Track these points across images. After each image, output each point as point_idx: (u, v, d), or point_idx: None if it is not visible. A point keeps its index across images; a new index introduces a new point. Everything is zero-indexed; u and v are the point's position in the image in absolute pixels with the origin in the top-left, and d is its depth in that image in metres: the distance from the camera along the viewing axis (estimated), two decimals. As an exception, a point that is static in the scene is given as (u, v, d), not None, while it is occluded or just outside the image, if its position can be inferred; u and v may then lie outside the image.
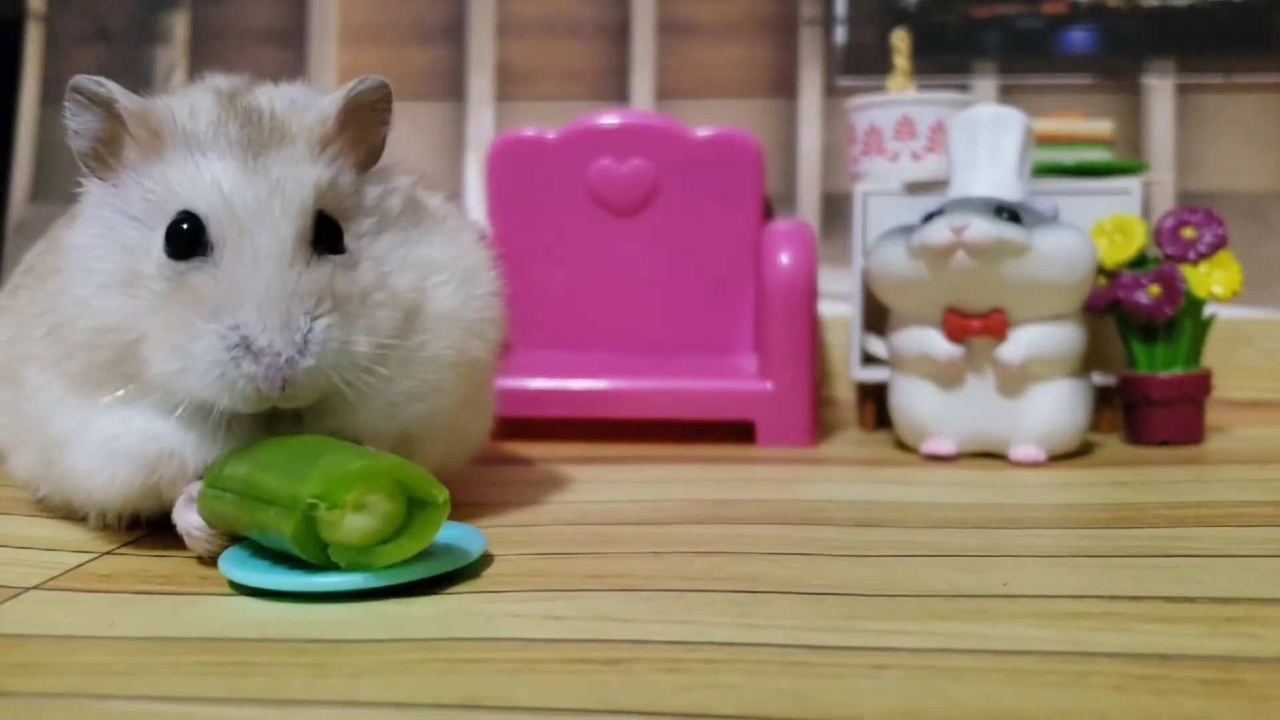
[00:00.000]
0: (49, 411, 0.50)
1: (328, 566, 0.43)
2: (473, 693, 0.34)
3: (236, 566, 0.45)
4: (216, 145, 0.47)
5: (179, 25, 1.21)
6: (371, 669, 0.36)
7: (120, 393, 0.48)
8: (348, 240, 0.49)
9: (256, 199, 0.46)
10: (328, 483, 0.42)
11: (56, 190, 1.17)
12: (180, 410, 0.46)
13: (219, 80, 0.55)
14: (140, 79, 1.20)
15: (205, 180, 0.46)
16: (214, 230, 0.46)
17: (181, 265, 0.46)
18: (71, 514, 0.56)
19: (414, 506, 0.44)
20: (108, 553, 0.51)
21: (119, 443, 0.48)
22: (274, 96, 0.50)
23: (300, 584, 0.43)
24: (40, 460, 0.53)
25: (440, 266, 0.52)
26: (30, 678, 0.36)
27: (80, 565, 0.49)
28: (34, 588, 0.46)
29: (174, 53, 1.20)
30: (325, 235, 0.48)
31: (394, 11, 1.18)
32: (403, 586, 0.44)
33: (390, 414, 0.50)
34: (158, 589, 0.46)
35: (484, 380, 0.59)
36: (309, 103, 0.50)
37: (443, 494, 0.43)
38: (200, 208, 0.46)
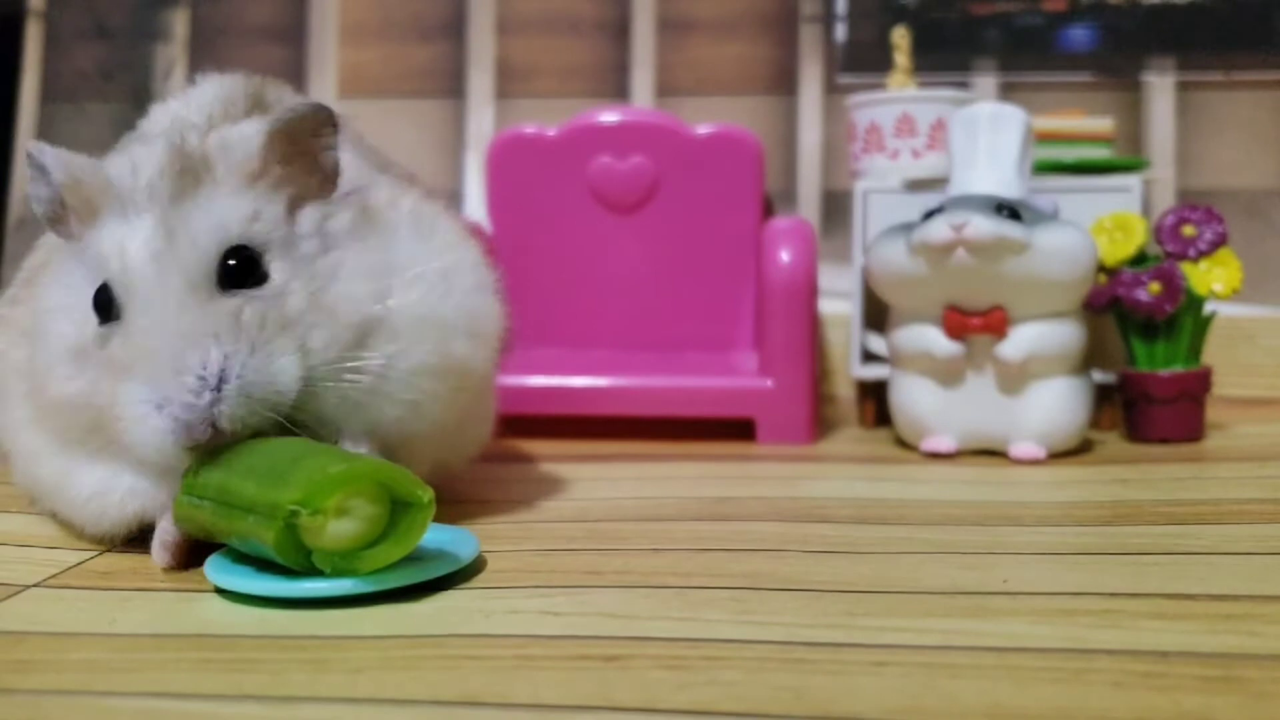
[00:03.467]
0: (34, 455, 0.52)
1: (312, 572, 0.42)
2: (472, 689, 0.34)
3: (222, 573, 0.44)
4: (142, 204, 0.47)
5: (179, 22, 1.21)
6: (371, 666, 0.36)
7: (89, 448, 0.49)
8: (276, 269, 0.48)
9: (152, 255, 0.46)
10: (309, 489, 0.41)
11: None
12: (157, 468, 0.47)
13: (208, 98, 0.55)
14: (140, 77, 1.20)
15: (115, 246, 0.46)
16: (118, 294, 0.46)
17: (105, 330, 0.47)
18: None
19: (398, 508, 0.43)
20: (108, 550, 0.51)
21: (106, 499, 0.49)
22: (216, 139, 0.49)
23: (286, 590, 0.42)
24: (29, 488, 0.54)
25: (402, 269, 0.51)
26: (30, 675, 0.36)
27: (80, 563, 0.49)
28: (34, 585, 0.46)
29: (173, 50, 1.20)
30: (240, 270, 0.47)
31: (394, 8, 1.18)
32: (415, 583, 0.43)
33: (377, 428, 0.49)
34: (158, 586, 0.46)
35: (481, 381, 0.57)
36: (237, 137, 0.49)
37: (427, 494, 0.43)
38: (110, 275, 0.46)
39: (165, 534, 0.48)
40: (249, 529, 0.42)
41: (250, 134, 0.49)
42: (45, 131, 1.19)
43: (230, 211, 0.47)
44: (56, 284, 0.50)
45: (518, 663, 0.36)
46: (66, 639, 0.39)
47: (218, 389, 0.44)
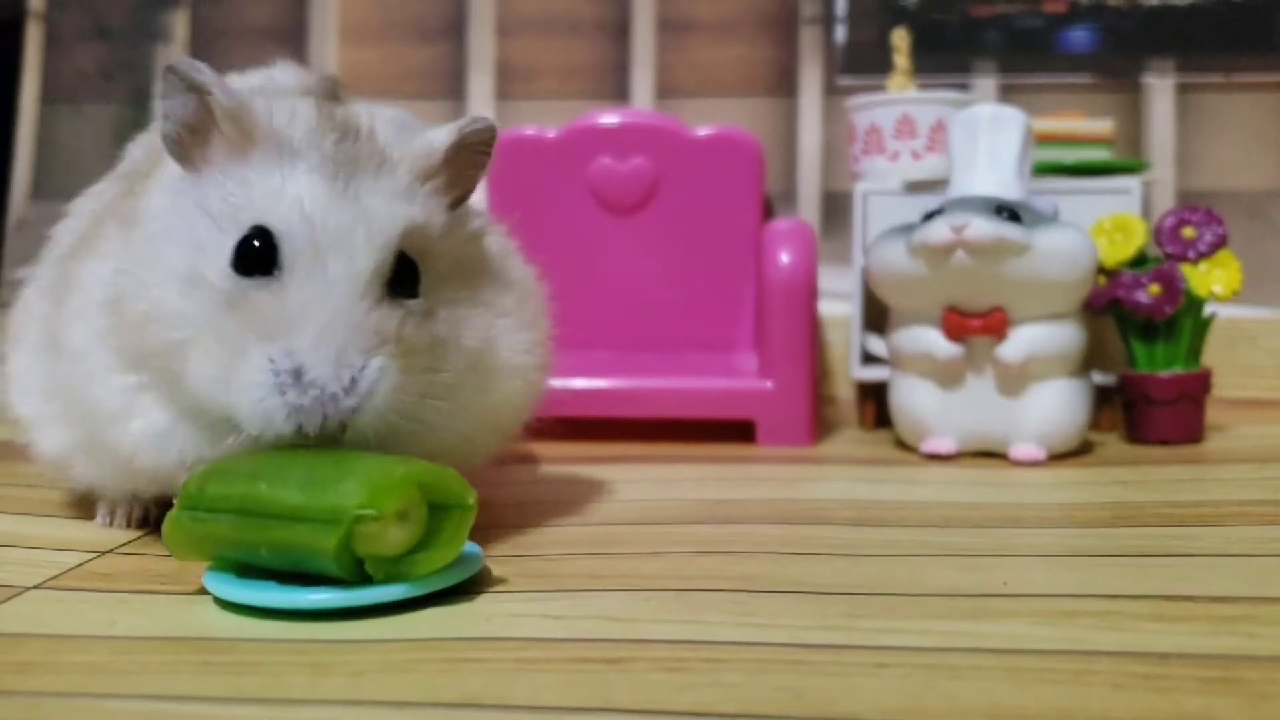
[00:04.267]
0: (92, 380, 0.47)
1: (362, 580, 0.41)
2: (473, 691, 0.34)
3: (229, 586, 0.42)
4: (308, 157, 0.45)
5: (179, 23, 1.21)
6: (372, 669, 0.36)
7: (152, 378, 0.46)
8: (425, 285, 0.46)
9: (340, 224, 0.43)
10: (373, 492, 0.39)
11: (57, 189, 1.17)
12: (217, 426, 0.44)
13: (307, 78, 0.52)
14: (140, 77, 1.20)
15: (288, 195, 0.44)
16: (287, 250, 0.43)
17: (245, 281, 0.43)
18: (91, 496, 0.56)
19: (435, 511, 0.42)
20: (108, 552, 0.51)
21: (170, 439, 0.46)
22: (375, 116, 0.48)
23: (343, 600, 0.41)
24: (79, 431, 0.51)
25: (508, 314, 0.50)
26: (31, 677, 0.36)
27: (81, 565, 0.49)
28: (34, 587, 0.46)
29: (174, 51, 1.20)
30: (402, 278, 0.45)
31: (394, 9, 1.18)
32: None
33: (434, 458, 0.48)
34: (158, 588, 0.46)
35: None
36: (414, 131, 0.48)
37: (473, 495, 0.42)
38: (277, 224, 0.43)
39: None
40: (296, 538, 0.40)
41: (439, 140, 0.48)
42: (45, 133, 1.19)
43: (405, 210, 0.45)
44: (162, 208, 0.47)
45: (518, 665, 0.36)
46: (67, 641, 0.39)
47: (351, 389, 0.42)
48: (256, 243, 0.44)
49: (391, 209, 0.45)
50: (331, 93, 0.55)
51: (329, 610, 0.41)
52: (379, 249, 0.44)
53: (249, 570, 0.43)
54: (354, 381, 0.42)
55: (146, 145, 0.56)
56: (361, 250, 0.43)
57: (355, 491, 0.40)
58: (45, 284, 0.54)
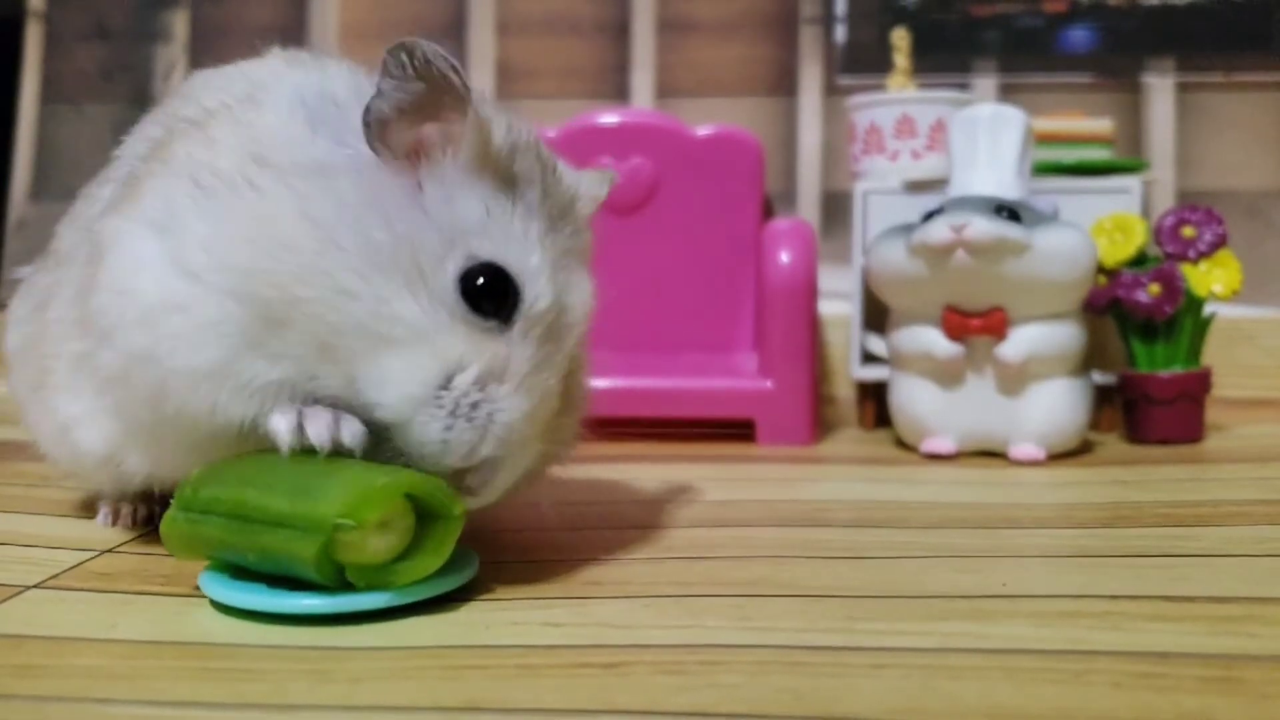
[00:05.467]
0: (187, 338, 0.41)
1: (344, 587, 0.41)
2: (473, 697, 0.34)
3: (223, 588, 0.42)
4: (531, 197, 0.43)
5: (179, 23, 1.21)
6: (372, 675, 0.36)
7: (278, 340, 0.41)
8: None
9: (567, 293, 0.44)
10: (354, 501, 0.39)
11: (56, 189, 1.17)
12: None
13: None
14: (140, 77, 1.20)
15: (535, 248, 0.42)
16: (528, 308, 0.42)
17: (477, 318, 0.41)
18: (98, 496, 0.56)
19: (424, 519, 0.42)
20: (107, 551, 0.51)
21: (267, 393, 0.42)
22: (553, 160, 0.45)
23: (323, 606, 0.41)
24: (143, 413, 0.45)
25: (579, 359, 0.50)
26: (31, 680, 0.36)
27: (80, 564, 0.49)
28: (34, 586, 0.46)
29: (174, 51, 1.20)
30: None
31: (394, 9, 1.18)
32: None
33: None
34: (158, 590, 0.46)
35: None
36: (579, 179, 0.47)
37: (459, 505, 0.42)
38: (523, 276, 0.42)
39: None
40: (278, 544, 0.40)
41: (600, 184, 0.48)
42: (45, 133, 1.19)
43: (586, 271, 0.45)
44: (337, 186, 0.41)
45: (518, 671, 0.36)
46: (67, 643, 0.39)
47: (508, 469, 0.43)
48: (493, 280, 0.41)
49: (587, 276, 0.45)
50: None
51: (316, 615, 0.41)
52: (582, 321, 0.45)
53: (243, 572, 0.43)
54: (515, 460, 0.43)
55: (149, 138, 0.50)
56: (579, 324, 0.44)
57: (335, 501, 0.39)
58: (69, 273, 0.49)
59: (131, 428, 0.47)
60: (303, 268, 0.40)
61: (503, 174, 0.43)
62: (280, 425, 0.41)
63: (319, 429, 0.41)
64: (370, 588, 0.41)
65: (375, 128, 0.42)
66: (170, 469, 0.48)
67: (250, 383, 0.41)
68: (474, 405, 0.41)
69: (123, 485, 0.54)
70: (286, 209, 0.41)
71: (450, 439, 0.41)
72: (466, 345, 0.41)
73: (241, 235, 0.41)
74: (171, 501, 0.43)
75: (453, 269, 0.41)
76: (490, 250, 0.42)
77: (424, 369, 0.41)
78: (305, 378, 0.41)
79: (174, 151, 0.45)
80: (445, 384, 0.41)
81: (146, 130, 0.52)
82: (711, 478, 0.70)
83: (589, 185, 0.47)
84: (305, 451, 0.41)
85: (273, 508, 0.40)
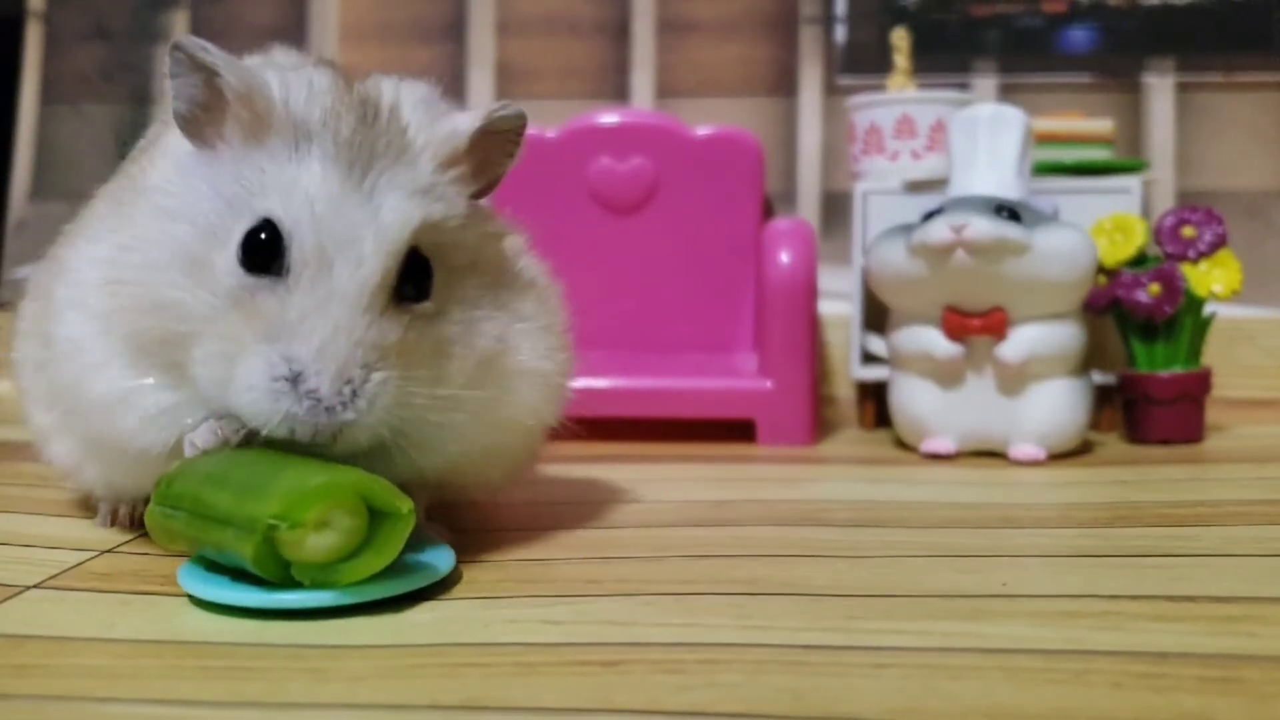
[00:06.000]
0: (90, 372, 0.46)
1: (290, 584, 0.41)
2: (472, 695, 0.34)
3: (197, 582, 0.43)
4: (324, 143, 0.43)
5: (178, 23, 1.21)
6: (371, 674, 0.36)
7: (150, 381, 0.44)
8: (438, 282, 0.45)
9: (349, 228, 0.42)
10: (288, 502, 0.39)
11: (56, 189, 1.17)
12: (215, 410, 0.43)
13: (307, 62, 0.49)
14: (140, 78, 1.20)
15: (300, 190, 0.42)
16: (295, 251, 0.42)
17: (251, 279, 0.42)
18: (95, 497, 0.56)
19: (377, 518, 0.42)
20: (107, 551, 0.51)
21: (176, 416, 0.45)
22: (401, 93, 0.46)
23: (261, 600, 0.42)
24: (81, 434, 0.50)
25: (525, 318, 0.48)
26: (31, 679, 0.36)
27: (80, 564, 0.49)
28: (34, 586, 0.46)
29: (174, 51, 1.20)
30: (413, 277, 0.44)
31: (394, 9, 1.18)
32: (402, 594, 0.43)
33: (451, 469, 0.47)
34: (157, 590, 0.46)
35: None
36: (440, 113, 0.46)
37: (406, 505, 0.41)
38: (287, 221, 0.42)
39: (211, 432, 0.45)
40: (226, 541, 0.41)
41: (465, 125, 0.46)
42: (45, 133, 1.19)
43: (422, 206, 0.44)
44: (172, 184, 0.45)
45: (517, 669, 0.36)
46: (66, 643, 0.39)
47: (350, 403, 0.42)
48: (264, 235, 0.42)
49: (406, 207, 0.43)
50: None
51: (281, 610, 0.42)
52: (388, 255, 0.43)
53: (216, 566, 0.44)
54: (353, 395, 0.42)
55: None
56: (370, 257, 0.42)
57: (272, 501, 0.40)
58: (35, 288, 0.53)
59: (80, 444, 0.51)
60: (138, 296, 0.44)
61: (285, 131, 0.43)
62: (186, 446, 0.45)
63: (188, 444, 0.44)
64: (315, 585, 0.41)
65: (185, 127, 0.45)
66: (124, 484, 0.52)
67: (153, 408, 0.45)
68: (288, 379, 0.41)
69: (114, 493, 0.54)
70: (131, 237, 0.44)
71: (267, 415, 0.42)
72: (241, 315, 0.42)
73: (112, 275, 0.45)
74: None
75: (237, 237, 0.43)
76: (264, 208, 0.43)
77: (217, 354, 0.42)
78: (206, 395, 0.44)
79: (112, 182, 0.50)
80: (249, 361, 0.42)
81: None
82: (711, 477, 0.70)
83: (444, 128, 0.46)
84: (276, 449, 0.43)
85: (221, 505, 0.41)
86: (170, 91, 0.45)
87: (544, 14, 1.16)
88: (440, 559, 0.46)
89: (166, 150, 0.47)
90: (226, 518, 0.41)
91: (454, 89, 1.16)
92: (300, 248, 0.42)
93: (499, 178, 0.49)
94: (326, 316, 0.41)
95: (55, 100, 1.20)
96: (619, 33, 1.15)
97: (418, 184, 0.44)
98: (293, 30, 1.18)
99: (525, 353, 0.48)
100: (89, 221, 0.49)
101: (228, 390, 0.42)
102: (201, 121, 0.45)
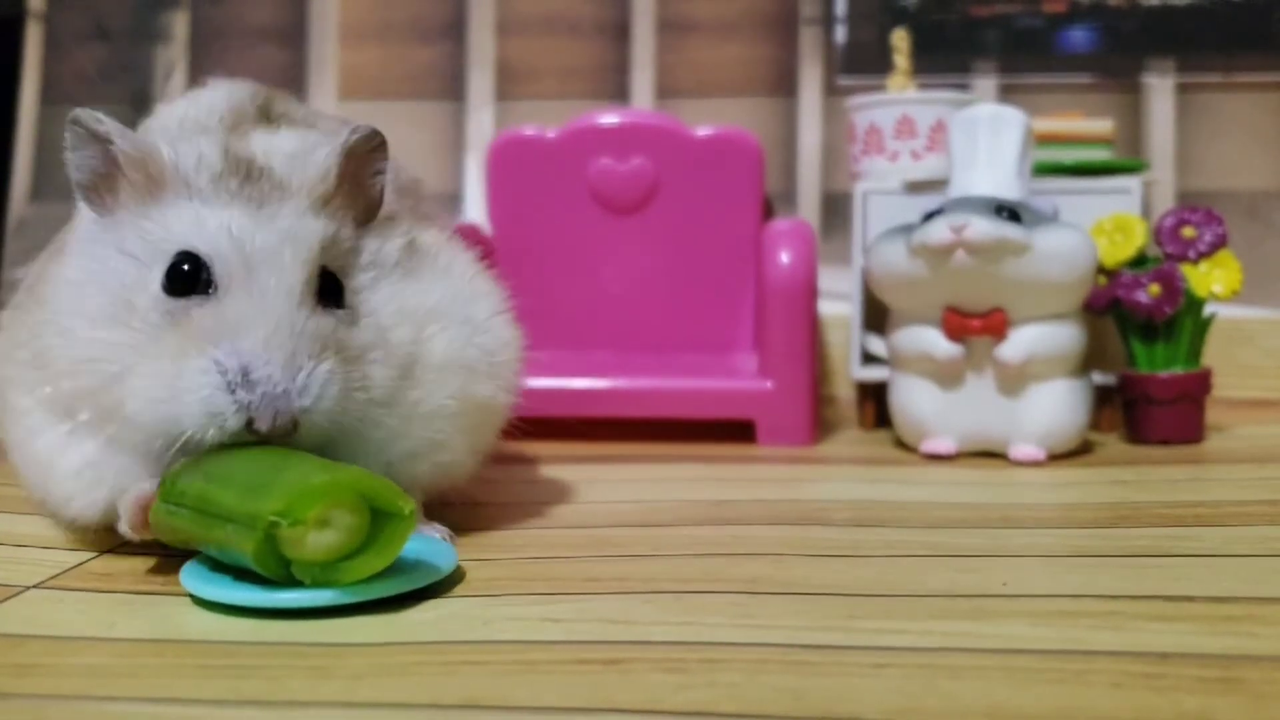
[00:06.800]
0: (33, 436, 0.49)
1: (291, 583, 0.42)
2: (472, 693, 0.34)
3: (199, 581, 0.43)
4: (218, 195, 0.46)
5: (179, 24, 1.21)
6: (371, 672, 0.36)
7: (85, 418, 0.47)
8: (347, 295, 0.48)
9: (266, 243, 0.45)
10: (290, 499, 0.40)
11: (56, 190, 1.17)
12: (159, 448, 0.45)
13: (239, 94, 0.55)
14: (140, 79, 1.20)
15: (210, 225, 0.45)
16: (219, 269, 0.45)
17: (180, 301, 0.45)
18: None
19: (379, 518, 0.42)
20: (106, 551, 0.51)
21: (101, 470, 0.47)
22: (270, 151, 0.49)
23: (261, 600, 0.42)
24: (23, 473, 0.52)
25: (437, 315, 0.51)
26: (31, 679, 0.36)
27: (80, 564, 0.49)
28: (33, 586, 0.46)
29: (173, 52, 1.20)
30: (327, 290, 0.47)
31: (394, 10, 1.18)
32: (402, 592, 0.43)
33: (393, 473, 0.48)
34: (158, 589, 0.46)
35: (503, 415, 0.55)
36: (306, 156, 0.49)
37: (409, 505, 0.42)
38: (204, 248, 0.45)
39: (139, 494, 0.47)
40: (228, 538, 0.41)
41: (324, 156, 0.48)
42: (45, 134, 1.19)
43: (317, 227, 0.47)
44: (77, 257, 0.48)
45: (518, 667, 0.36)
46: (66, 643, 0.39)
47: (304, 390, 0.44)
48: (186, 266, 0.45)
49: (310, 224, 0.47)
50: (264, 110, 0.56)
51: (283, 610, 0.42)
52: (305, 262, 0.46)
53: (222, 566, 0.45)
54: (307, 383, 0.44)
55: None
56: (290, 264, 0.45)
57: (274, 498, 0.40)
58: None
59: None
60: (62, 358, 0.46)
61: (179, 189, 0.46)
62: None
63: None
64: (316, 584, 0.42)
65: (85, 196, 0.48)
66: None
67: (78, 460, 0.47)
68: (238, 370, 0.43)
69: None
70: (51, 311, 0.47)
71: (221, 409, 0.43)
72: (177, 332, 0.44)
73: (36, 349, 0.48)
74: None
75: (157, 278, 0.45)
76: (179, 244, 0.46)
77: (156, 374, 0.44)
78: (144, 422, 0.45)
79: None
80: (194, 364, 0.43)
81: None
82: (711, 477, 0.70)
83: (312, 171, 0.48)
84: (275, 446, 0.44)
85: (224, 503, 0.42)
86: (69, 164, 0.48)
87: (544, 14, 1.16)
88: (441, 557, 0.46)
89: (77, 228, 0.50)
90: (229, 515, 0.41)
91: (454, 89, 1.16)
92: (224, 264, 0.45)
93: (376, 195, 0.51)
94: (265, 314, 0.44)
95: (55, 100, 1.20)
96: (619, 33, 1.15)
97: (305, 212, 0.47)
98: (293, 30, 1.18)
99: (441, 348, 0.50)
100: (20, 306, 0.52)
101: (175, 404, 0.43)
102: (101, 189, 0.48)
